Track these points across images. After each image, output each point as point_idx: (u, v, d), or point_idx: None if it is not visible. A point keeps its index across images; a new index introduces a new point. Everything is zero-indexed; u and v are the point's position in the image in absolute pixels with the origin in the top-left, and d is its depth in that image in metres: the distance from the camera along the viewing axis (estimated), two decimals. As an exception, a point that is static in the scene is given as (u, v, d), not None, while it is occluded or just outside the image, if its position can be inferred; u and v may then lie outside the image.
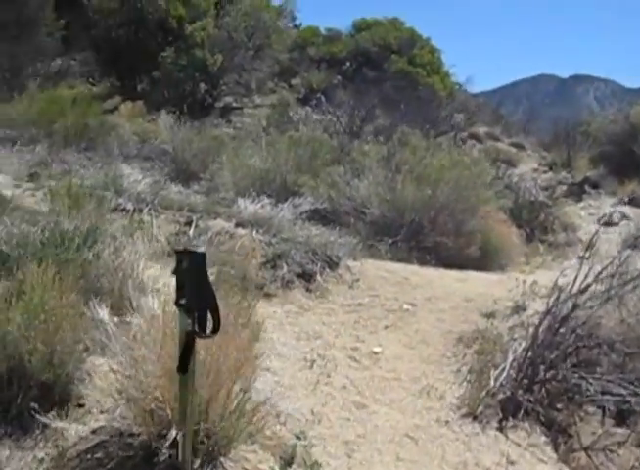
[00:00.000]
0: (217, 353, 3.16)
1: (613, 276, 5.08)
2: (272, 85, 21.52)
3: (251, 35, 16.24)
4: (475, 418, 4.49)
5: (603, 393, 4.51)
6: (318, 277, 6.70)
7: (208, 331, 2.76)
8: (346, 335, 5.71)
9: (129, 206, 7.99)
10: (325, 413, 4.24)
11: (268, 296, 6.31)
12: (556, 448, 4.37)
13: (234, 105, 18.18)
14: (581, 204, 15.86)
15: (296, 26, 27.25)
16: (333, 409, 4.34)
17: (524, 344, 5.02)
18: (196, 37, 13.70)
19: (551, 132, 22.57)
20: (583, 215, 14.74)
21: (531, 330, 5.05)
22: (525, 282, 6.40)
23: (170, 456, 2.98)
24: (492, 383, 4.73)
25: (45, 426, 3.30)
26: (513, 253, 10.00)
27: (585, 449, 4.31)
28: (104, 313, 3.86)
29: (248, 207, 7.97)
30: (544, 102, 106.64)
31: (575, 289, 4.91)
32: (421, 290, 6.94)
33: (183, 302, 2.74)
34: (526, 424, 4.50)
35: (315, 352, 5.17)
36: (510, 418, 4.51)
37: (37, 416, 3.26)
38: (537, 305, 5.82)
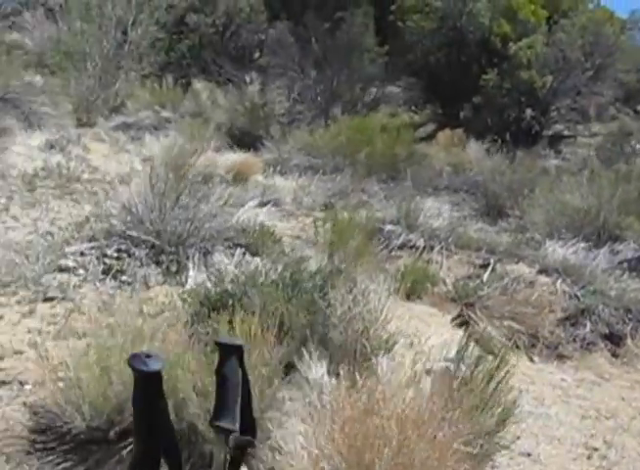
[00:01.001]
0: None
1: None
2: (614, 111, 20.01)
3: (589, 53, 15.21)
4: None
5: None
6: (628, 340, 5.79)
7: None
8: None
9: (420, 242, 7.69)
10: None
11: (561, 358, 5.57)
12: None
13: (565, 133, 17.15)
14: None
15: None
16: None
17: None
18: (521, 57, 13.10)
19: None
20: None
21: None
22: None
23: None
24: None
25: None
26: None
27: None
28: (320, 371, 3.52)
29: (556, 250, 7.19)
30: None
31: None
32: None
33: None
34: None
35: (601, 436, 4.31)
36: None
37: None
38: None
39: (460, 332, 5.99)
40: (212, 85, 16.61)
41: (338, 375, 3.79)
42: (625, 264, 7.02)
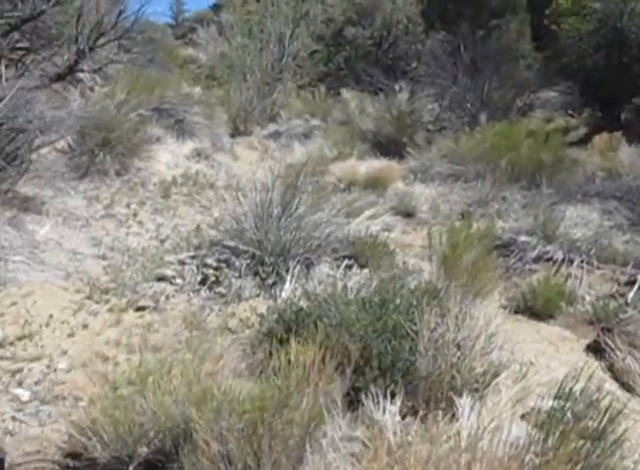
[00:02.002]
0: None
1: None
2: None
3: None
4: None
5: None
6: None
7: None
8: None
9: (558, 255, 6.57)
10: None
11: None
12: None
13: None
14: None
15: None
16: None
17: None
18: (685, 56, 11.49)
19: None
20: None
21: None
22: None
23: None
24: None
25: None
26: None
27: None
28: (393, 409, 2.68)
29: None
30: None
31: None
32: None
33: None
34: None
35: None
36: None
37: None
38: None
39: (595, 362, 4.90)
40: (362, 94, 15.90)
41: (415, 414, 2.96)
42: None
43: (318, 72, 20.54)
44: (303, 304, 3.75)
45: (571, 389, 3.13)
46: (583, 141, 12.68)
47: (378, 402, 2.93)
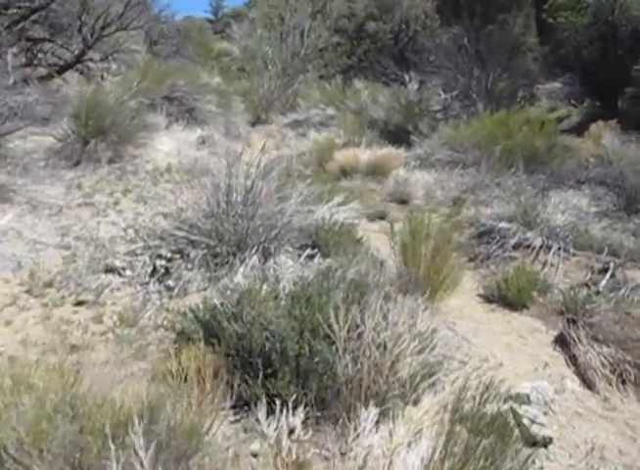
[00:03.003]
0: None
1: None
2: None
3: None
4: None
5: None
6: None
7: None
8: None
9: (537, 242, 6.04)
10: None
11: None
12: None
13: None
14: None
15: None
16: None
17: None
18: (673, 44, 10.73)
19: None
20: None
21: None
22: None
23: None
24: None
25: None
26: None
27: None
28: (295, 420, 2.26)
29: (692, 256, 5.31)
30: None
31: None
32: None
33: None
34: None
35: None
36: None
37: None
38: None
39: (561, 355, 4.42)
40: (376, 85, 15.28)
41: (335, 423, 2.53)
42: None
43: (341, 64, 19.94)
44: (219, 300, 3.29)
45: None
46: (582, 129, 11.97)
47: (275, 411, 2.48)
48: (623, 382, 3.94)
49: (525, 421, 3.13)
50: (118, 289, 4.19)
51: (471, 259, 6.23)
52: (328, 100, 14.75)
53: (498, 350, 4.32)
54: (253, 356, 3.02)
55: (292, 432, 2.33)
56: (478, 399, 2.62)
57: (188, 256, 4.52)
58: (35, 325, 3.73)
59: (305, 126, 13.78)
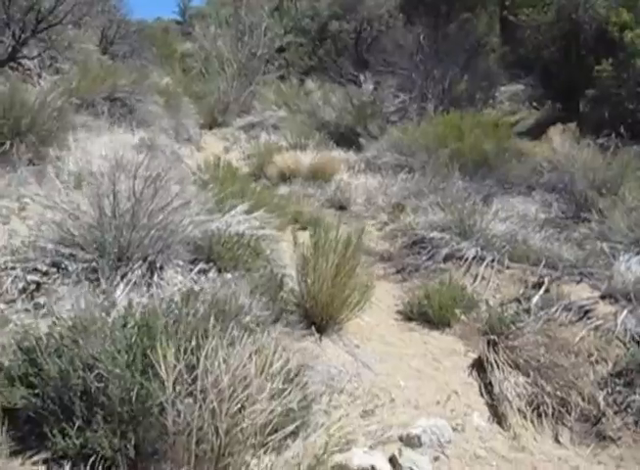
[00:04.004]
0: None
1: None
2: None
3: None
4: None
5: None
6: None
7: None
8: None
9: (470, 253, 5.58)
10: None
11: (602, 440, 3.37)
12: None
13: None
14: None
15: None
16: None
17: None
18: (638, 45, 10.24)
19: None
20: None
21: None
22: None
23: None
24: None
25: None
26: None
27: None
28: None
29: (632, 268, 4.86)
30: None
31: None
32: None
33: None
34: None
35: None
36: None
37: None
38: None
39: (476, 382, 3.96)
40: (332, 85, 14.83)
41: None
42: None
43: (303, 65, 19.48)
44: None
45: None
46: (541, 133, 11.60)
47: None
48: (539, 416, 3.48)
49: (403, 473, 2.66)
50: (-17, 307, 3.65)
51: (398, 271, 5.79)
52: (283, 101, 14.28)
53: (404, 377, 3.84)
54: (74, 401, 2.52)
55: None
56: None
57: (66, 269, 4.01)
58: None
59: (259, 129, 13.32)
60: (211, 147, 12.31)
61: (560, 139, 8.50)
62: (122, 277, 3.86)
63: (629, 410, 3.43)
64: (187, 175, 7.64)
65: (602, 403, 3.42)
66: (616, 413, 3.43)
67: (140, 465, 2.39)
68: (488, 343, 4.11)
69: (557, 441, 3.33)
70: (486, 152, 8.78)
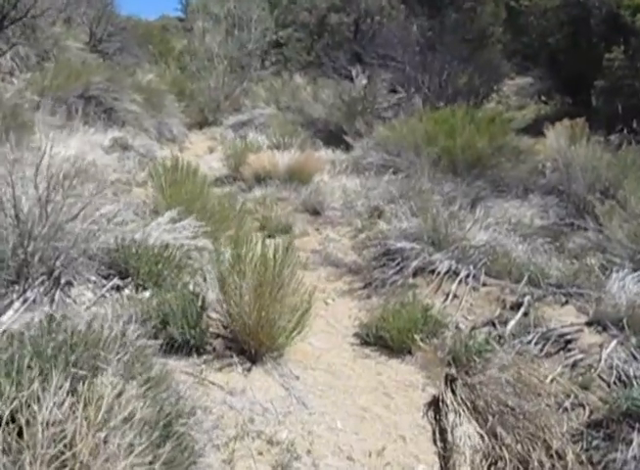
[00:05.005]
0: None
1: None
2: None
3: None
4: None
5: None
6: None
7: None
8: None
9: (444, 267, 4.95)
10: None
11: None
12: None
13: None
14: None
15: None
16: None
17: None
18: (652, 29, 9.51)
19: None
20: None
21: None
22: None
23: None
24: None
25: None
26: None
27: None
28: None
29: (627, 287, 4.21)
30: None
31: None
32: None
33: None
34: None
35: None
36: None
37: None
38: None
39: (429, 427, 3.35)
40: (323, 81, 14.19)
41: None
42: None
43: (301, 61, 18.89)
44: None
45: None
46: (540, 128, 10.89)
47: None
48: (496, 480, 2.85)
49: None
50: None
51: (365, 286, 5.17)
52: (274, 99, 13.69)
53: (343, 417, 3.23)
54: None
55: None
56: None
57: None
58: None
59: (248, 128, 12.75)
60: (196, 147, 11.78)
61: (554, 135, 7.75)
62: (20, 295, 3.31)
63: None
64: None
65: (571, 461, 2.78)
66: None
67: None
68: (446, 378, 3.50)
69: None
70: (480, 150, 8.12)
